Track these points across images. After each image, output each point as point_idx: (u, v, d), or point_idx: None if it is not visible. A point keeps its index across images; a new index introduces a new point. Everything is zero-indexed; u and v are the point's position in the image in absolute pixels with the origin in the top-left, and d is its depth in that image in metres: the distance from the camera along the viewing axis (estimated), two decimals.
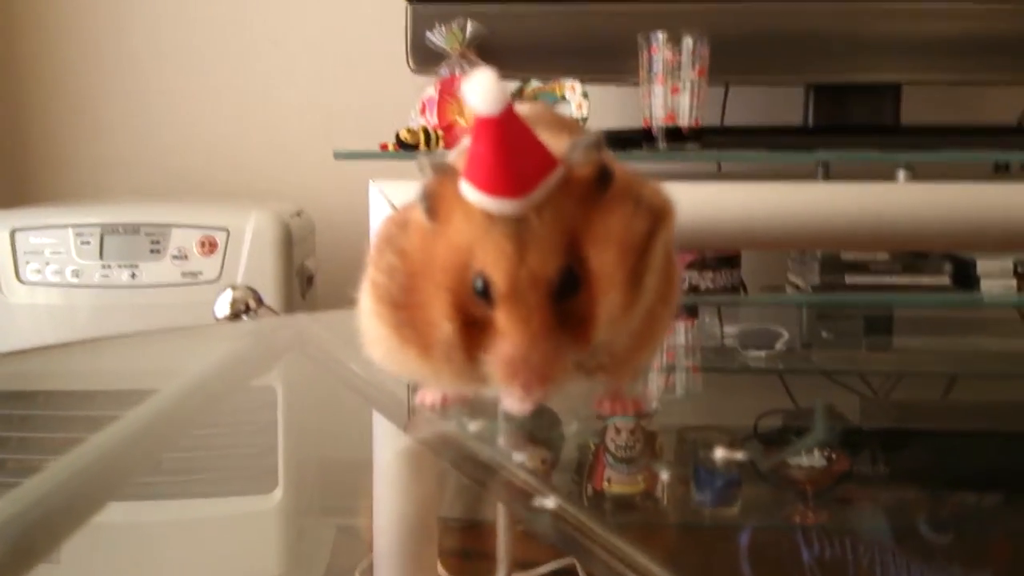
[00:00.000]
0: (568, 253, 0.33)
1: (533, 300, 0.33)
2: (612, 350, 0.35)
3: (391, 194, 0.90)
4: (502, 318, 0.33)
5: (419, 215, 0.36)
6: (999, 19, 1.29)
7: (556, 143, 0.36)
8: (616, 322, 0.34)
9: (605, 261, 0.34)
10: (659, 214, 0.36)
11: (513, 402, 0.34)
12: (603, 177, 0.35)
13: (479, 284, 0.33)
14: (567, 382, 0.35)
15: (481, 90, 0.31)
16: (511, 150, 0.32)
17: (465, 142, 0.43)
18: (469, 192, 0.33)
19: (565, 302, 0.33)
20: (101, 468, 0.44)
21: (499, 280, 0.33)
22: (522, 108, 0.47)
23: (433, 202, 0.35)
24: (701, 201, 1.04)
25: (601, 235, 0.34)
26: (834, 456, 0.91)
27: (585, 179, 0.34)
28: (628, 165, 0.40)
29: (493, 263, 0.33)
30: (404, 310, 0.35)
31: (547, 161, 0.33)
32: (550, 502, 0.40)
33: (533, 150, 0.33)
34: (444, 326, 0.34)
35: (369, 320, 0.38)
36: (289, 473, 1.16)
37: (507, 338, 0.33)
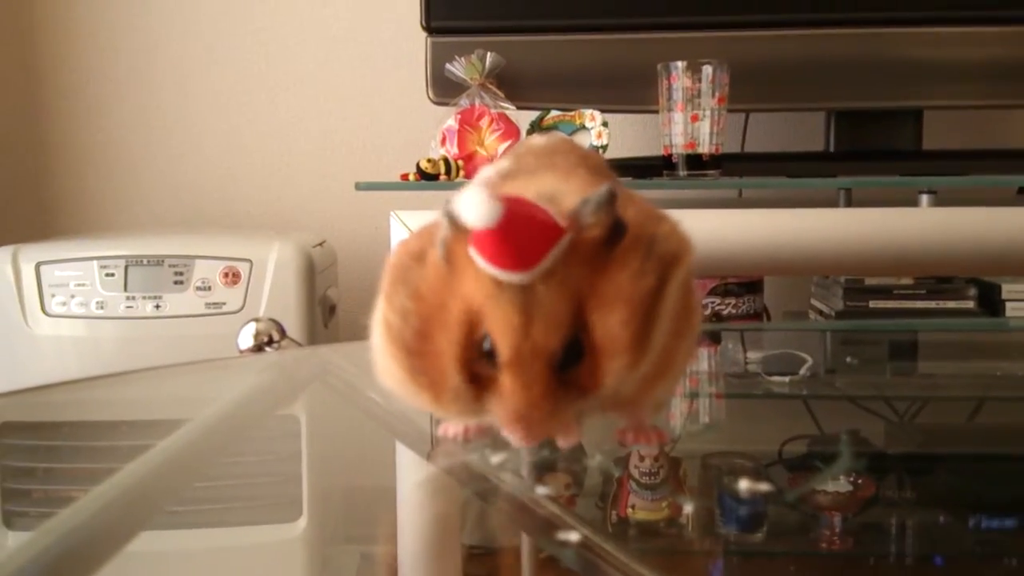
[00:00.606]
0: (573, 322, 0.34)
1: (535, 370, 0.34)
2: (624, 391, 0.36)
3: (412, 224, 0.90)
4: (505, 382, 0.34)
5: (436, 252, 0.36)
6: (1020, 43, 1.29)
7: (571, 184, 0.36)
8: (623, 379, 0.35)
9: (611, 326, 0.34)
10: (673, 259, 0.36)
11: (514, 440, 0.35)
12: (614, 234, 0.35)
13: (487, 346, 0.34)
14: (572, 426, 0.36)
15: (473, 207, 0.32)
16: (515, 229, 0.32)
17: (481, 175, 0.43)
18: (478, 259, 0.33)
19: (574, 366, 0.34)
20: (134, 498, 0.44)
21: (503, 350, 0.34)
22: (539, 140, 0.47)
23: (449, 252, 0.35)
24: (723, 228, 1.04)
25: (608, 297, 0.34)
26: (860, 481, 0.90)
27: (595, 238, 0.34)
28: (642, 201, 0.40)
29: (499, 332, 0.34)
30: (416, 357, 0.36)
31: (552, 232, 0.33)
32: (574, 536, 0.40)
33: (538, 225, 0.33)
34: (454, 378, 0.35)
35: (382, 356, 0.38)
36: (313, 502, 1.16)
37: (509, 400, 0.34)
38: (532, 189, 0.36)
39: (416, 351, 0.36)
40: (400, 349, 0.36)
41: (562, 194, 0.36)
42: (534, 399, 0.34)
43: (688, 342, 0.39)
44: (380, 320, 0.38)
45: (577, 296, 0.34)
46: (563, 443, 0.37)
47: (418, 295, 0.36)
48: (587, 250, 0.34)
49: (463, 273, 0.34)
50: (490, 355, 0.34)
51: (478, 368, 0.35)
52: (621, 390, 0.36)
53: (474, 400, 0.35)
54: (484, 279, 0.34)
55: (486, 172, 0.43)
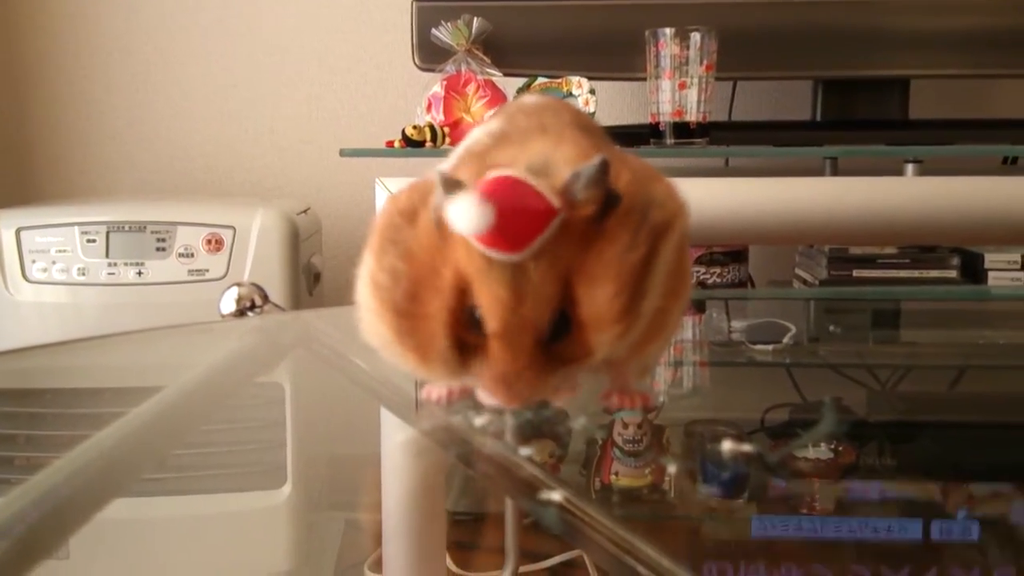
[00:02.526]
0: (562, 298, 0.34)
1: (522, 343, 0.34)
2: (615, 354, 0.36)
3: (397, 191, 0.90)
4: (493, 350, 0.34)
5: (427, 214, 0.36)
6: (1007, 13, 1.28)
7: (563, 150, 0.36)
8: (612, 349, 0.35)
9: (599, 301, 0.34)
10: (666, 224, 0.36)
11: (495, 401, 0.36)
12: (606, 208, 0.34)
13: (476, 315, 0.34)
14: (557, 394, 0.36)
15: (465, 216, 0.32)
16: (507, 213, 0.32)
17: (471, 137, 0.42)
18: (469, 237, 0.33)
19: (562, 339, 0.34)
20: (107, 464, 0.44)
21: (492, 323, 0.34)
22: (530, 98, 0.46)
23: (442, 219, 0.35)
24: (709, 196, 1.04)
25: (597, 272, 0.34)
26: (841, 448, 0.91)
27: (587, 213, 0.34)
28: (635, 160, 0.39)
29: (488, 306, 0.34)
30: (405, 318, 0.36)
31: (544, 215, 0.33)
32: (557, 495, 0.40)
33: (530, 209, 0.33)
34: (442, 342, 0.35)
35: (369, 314, 0.38)
36: (297, 468, 1.17)
37: (495, 366, 0.34)
38: (523, 159, 0.35)
39: (405, 312, 0.36)
40: (389, 310, 0.36)
41: (554, 164, 0.35)
42: (520, 368, 0.34)
43: (681, 302, 0.39)
44: (368, 277, 0.38)
45: (566, 272, 0.34)
46: (556, 401, 0.37)
47: (409, 256, 0.36)
48: (579, 226, 0.34)
49: (455, 241, 0.34)
50: (479, 324, 0.34)
51: (466, 334, 0.35)
52: (612, 354, 0.36)
53: (460, 364, 0.35)
54: (475, 253, 0.33)
55: (476, 134, 0.42)
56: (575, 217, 0.34)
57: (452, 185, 0.34)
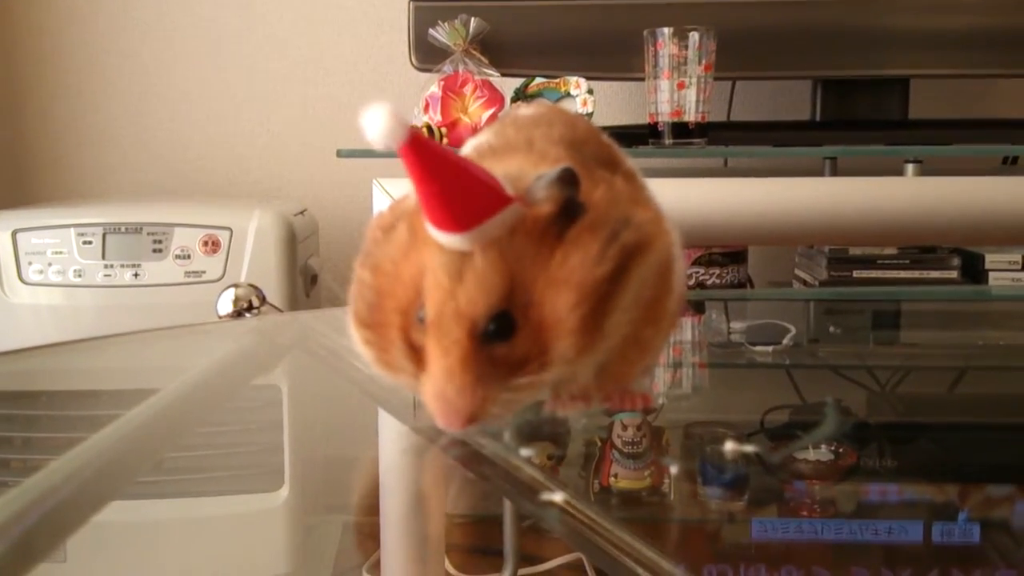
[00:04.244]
0: (507, 296, 0.33)
1: (455, 335, 0.33)
2: (580, 377, 0.36)
3: (394, 192, 0.89)
4: (428, 346, 0.33)
5: (403, 226, 0.35)
6: (1007, 12, 1.28)
7: (541, 168, 0.35)
8: (569, 362, 0.34)
9: (558, 307, 0.33)
10: (640, 246, 0.34)
11: (438, 420, 0.34)
12: (568, 213, 0.33)
13: (421, 313, 0.34)
14: (506, 413, 0.34)
15: (375, 126, 0.30)
16: (457, 188, 0.32)
17: (470, 144, 0.42)
18: (427, 223, 0.33)
19: (498, 343, 0.33)
20: (104, 467, 0.43)
21: (428, 310, 0.33)
22: (525, 110, 0.46)
23: (412, 223, 0.35)
24: (707, 197, 1.04)
25: (558, 278, 0.33)
26: (841, 450, 0.90)
27: (546, 216, 0.33)
28: (627, 185, 0.38)
29: (428, 293, 0.33)
30: (369, 329, 0.36)
31: (496, 199, 0.32)
32: (557, 497, 0.39)
33: (482, 189, 0.32)
34: (397, 346, 0.35)
35: (350, 328, 0.38)
36: (295, 471, 1.16)
37: (428, 370, 0.33)
38: (498, 171, 0.35)
39: (368, 323, 0.35)
40: (357, 322, 0.36)
41: (527, 174, 0.35)
42: (450, 368, 0.33)
43: (661, 332, 0.37)
44: (355, 280, 0.38)
45: (518, 271, 0.33)
46: (495, 421, 0.35)
47: (377, 268, 0.35)
48: (537, 227, 0.33)
49: (423, 244, 0.34)
50: (421, 319, 0.34)
51: (416, 337, 0.34)
52: (578, 376, 0.35)
53: (415, 373, 0.35)
54: (433, 246, 0.33)
55: (465, 148, 0.42)
56: (534, 216, 0.33)
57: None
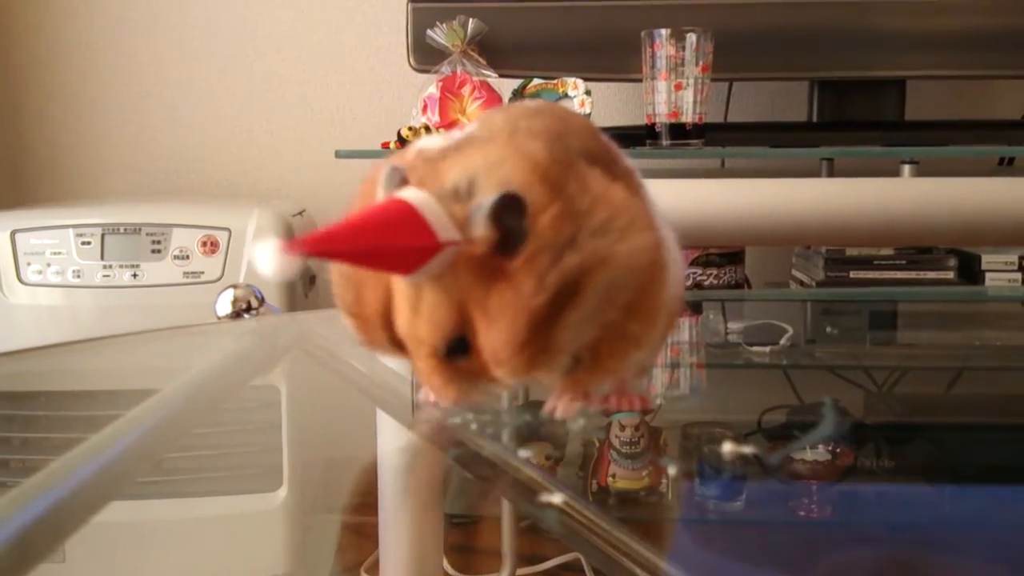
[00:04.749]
0: (459, 324, 0.34)
1: (422, 352, 0.35)
2: (562, 377, 0.37)
3: None
4: (414, 362, 0.36)
5: None
6: (1003, 13, 1.28)
7: (504, 168, 0.35)
8: (522, 379, 0.35)
9: (491, 340, 0.34)
10: (590, 266, 0.34)
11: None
12: (509, 244, 0.33)
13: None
14: (488, 398, 0.38)
15: (265, 262, 0.32)
16: (373, 255, 0.32)
17: (460, 136, 0.41)
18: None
19: (460, 357, 0.35)
20: (103, 467, 0.44)
21: (400, 331, 0.36)
22: (530, 103, 0.46)
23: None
24: (705, 197, 1.04)
25: (492, 311, 0.33)
26: (839, 450, 0.91)
27: (478, 251, 0.33)
28: (602, 183, 0.36)
29: (397, 315, 0.35)
30: (355, 318, 0.38)
31: (427, 247, 0.32)
32: (556, 497, 0.39)
33: (412, 241, 0.32)
34: (382, 341, 0.37)
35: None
36: (293, 471, 1.16)
37: (413, 363, 0.37)
38: (454, 175, 0.34)
39: (354, 313, 0.37)
40: (343, 310, 0.38)
41: (480, 186, 0.34)
42: (429, 371, 0.36)
43: (651, 325, 0.37)
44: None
45: (464, 301, 0.34)
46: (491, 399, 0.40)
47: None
48: (476, 261, 0.33)
49: None
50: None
51: (399, 340, 0.37)
52: (547, 378, 0.37)
53: (403, 357, 0.37)
54: None
55: (447, 137, 0.41)
56: (469, 251, 0.33)
57: (389, 190, 0.35)
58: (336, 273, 0.37)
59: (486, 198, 0.33)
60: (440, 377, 0.36)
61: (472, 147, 0.37)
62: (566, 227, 0.34)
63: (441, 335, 0.34)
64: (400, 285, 0.35)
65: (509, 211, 0.33)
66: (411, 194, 0.34)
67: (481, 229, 0.33)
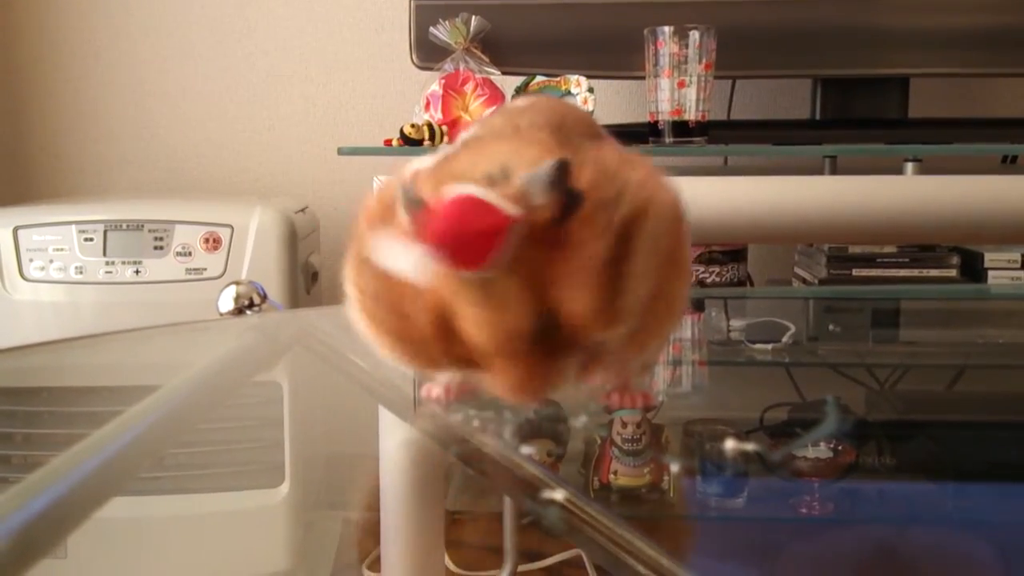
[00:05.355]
0: (540, 302, 0.34)
1: (517, 351, 0.34)
2: (625, 341, 0.36)
3: None
4: (496, 367, 0.35)
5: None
6: (1008, 11, 1.28)
7: (526, 155, 0.35)
8: (604, 339, 0.35)
9: (575, 307, 0.34)
10: (639, 213, 0.35)
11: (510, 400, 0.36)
12: (567, 209, 0.33)
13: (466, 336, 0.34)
14: (570, 387, 0.37)
15: (398, 259, 0.32)
16: (461, 234, 0.32)
17: (459, 139, 0.42)
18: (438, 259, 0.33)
19: (546, 341, 0.34)
20: (105, 463, 0.44)
21: (480, 342, 0.34)
22: (519, 101, 0.46)
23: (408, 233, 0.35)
24: (708, 195, 1.04)
25: (567, 276, 0.33)
26: (840, 448, 0.91)
27: (545, 218, 0.33)
28: (612, 148, 0.39)
29: (472, 327, 0.34)
30: (396, 335, 0.37)
31: (499, 229, 0.32)
32: (557, 494, 0.39)
33: (483, 226, 0.32)
34: (438, 359, 0.36)
35: (362, 326, 0.39)
36: (296, 467, 1.16)
37: (499, 379, 0.35)
38: (482, 166, 0.35)
39: (394, 329, 0.36)
40: (378, 326, 0.37)
41: (513, 169, 0.34)
42: (521, 376, 0.34)
43: (683, 284, 0.39)
44: (354, 292, 0.38)
45: (539, 276, 0.33)
46: (583, 388, 0.38)
47: (383, 274, 0.36)
48: (541, 229, 0.33)
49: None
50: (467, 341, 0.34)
51: (460, 349, 0.35)
52: (613, 343, 0.36)
53: (463, 370, 0.36)
54: (441, 272, 0.33)
55: (460, 138, 0.41)
56: (535, 222, 0.33)
57: (414, 205, 0.34)
58: (368, 300, 0.37)
59: (533, 171, 0.33)
60: (525, 370, 0.34)
61: (482, 144, 0.37)
62: (608, 186, 0.35)
63: (527, 318, 0.33)
64: (468, 297, 0.33)
65: (561, 177, 0.33)
66: (459, 188, 0.33)
67: (541, 197, 0.33)
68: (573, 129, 0.39)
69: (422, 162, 0.38)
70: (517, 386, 0.35)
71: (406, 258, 0.35)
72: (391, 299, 0.36)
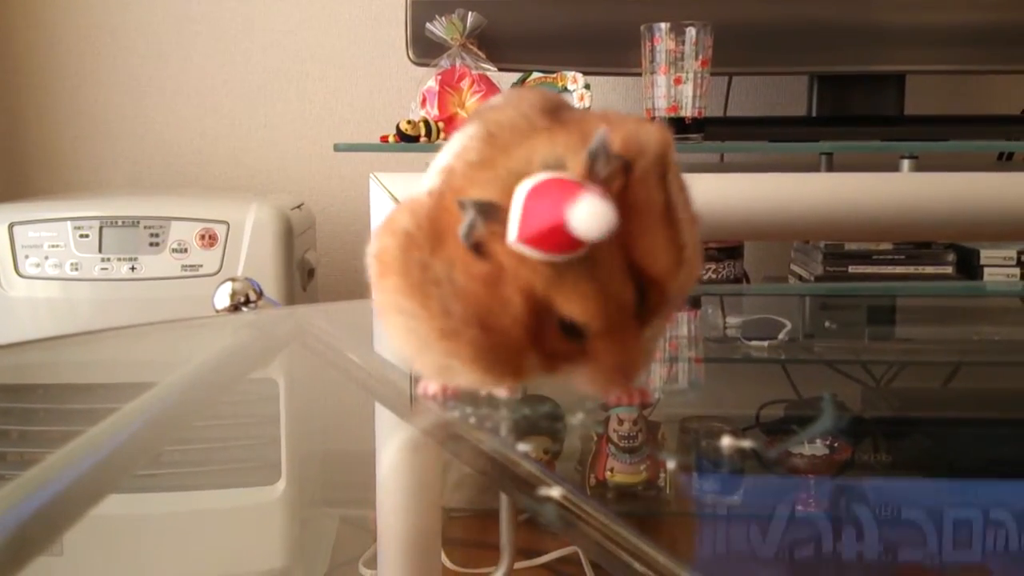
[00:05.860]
0: (633, 265, 0.35)
1: (625, 326, 0.35)
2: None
3: (391, 186, 0.89)
4: (600, 349, 0.35)
5: (455, 242, 0.35)
6: (1003, 8, 1.28)
7: (558, 143, 0.36)
8: (681, 291, 0.37)
9: (659, 262, 0.35)
10: (659, 157, 0.37)
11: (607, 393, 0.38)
12: (626, 173, 0.35)
13: (566, 324, 0.35)
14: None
15: (594, 217, 0.32)
16: (559, 217, 0.32)
17: (451, 150, 0.41)
18: (532, 252, 0.33)
19: (641, 310, 0.35)
20: (101, 460, 0.44)
21: (592, 324, 0.34)
22: (487, 109, 0.45)
23: (482, 245, 0.35)
24: (704, 192, 1.04)
25: (641, 233, 0.35)
26: (836, 445, 0.91)
27: (618, 186, 0.34)
28: (603, 115, 0.39)
29: (579, 310, 0.34)
30: (489, 350, 0.36)
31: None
32: (554, 491, 0.39)
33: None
34: (532, 361, 0.36)
35: (427, 354, 0.38)
36: (292, 465, 1.16)
37: (606, 362, 0.35)
38: (536, 159, 0.35)
39: (490, 345, 0.35)
40: (464, 347, 0.36)
41: (561, 155, 0.35)
42: (629, 354, 0.35)
43: (697, 222, 0.39)
44: (412, 317, 0.37)
45: (623, 245, 0.34)
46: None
47: (462, 295, 0.35)
48: (614, 199, 0.34)
49: (507, 262, 0.34)
50: (571, 331, 0.35)
51: (556, 345, 0.35)
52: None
53: (552, 373, 0.37)
54: (535, 266, 0.33)
55: (457, 144, 0.40)
56: (611, 193, 0.34)
57: (488, 210, 0.34)
58: (438, 320, 0.36)
59: (590, 147, 0.34)
60: (625, 348, 0.35)
61: (509, 141, 0.37)
62: (634, 143, 0.36)
63: (629, 286, 0.34)
64: (571, 280, 0.33)
65: (611, 150, 0.34)
66: (541, 175, 0.34)
67: (605, 169, 0.34)
68: (557, 109, 0.40)
69: (430, 183, 0.38)
70: (619, 367, 0.35)
71: (490, 265, 0.35)
72: (474, 313, 0.35)
